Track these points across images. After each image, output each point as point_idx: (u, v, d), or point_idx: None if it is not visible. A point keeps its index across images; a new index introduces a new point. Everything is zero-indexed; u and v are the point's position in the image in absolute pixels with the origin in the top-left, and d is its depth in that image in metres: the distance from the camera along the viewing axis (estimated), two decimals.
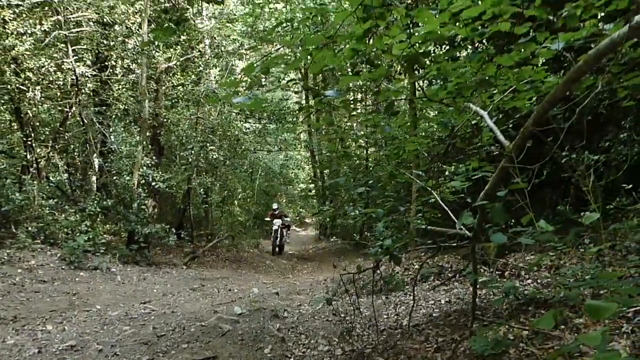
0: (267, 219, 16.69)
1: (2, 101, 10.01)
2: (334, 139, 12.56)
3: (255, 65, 2.37)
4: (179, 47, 11.65)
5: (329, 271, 12.62)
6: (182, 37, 11.07)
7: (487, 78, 2.88)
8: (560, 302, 3.63)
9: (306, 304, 6.49)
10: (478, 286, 3.76)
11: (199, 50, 13.03)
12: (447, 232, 3.90)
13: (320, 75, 17.50)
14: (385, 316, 5.06)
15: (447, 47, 6.55)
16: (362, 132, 13.55)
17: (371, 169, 11.26)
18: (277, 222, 15.82)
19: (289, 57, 2.70)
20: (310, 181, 25.75)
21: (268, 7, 11.71)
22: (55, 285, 7.34)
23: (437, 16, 2.56)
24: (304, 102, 19.49)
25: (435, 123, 5.58)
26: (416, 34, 2.69)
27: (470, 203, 3.23)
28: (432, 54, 3.35)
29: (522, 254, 5.98)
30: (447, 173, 5.02)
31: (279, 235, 16.00)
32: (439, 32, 2.68)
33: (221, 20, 12.91)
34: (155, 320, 5.09)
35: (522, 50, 2.71)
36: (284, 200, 26.21)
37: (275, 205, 16.90)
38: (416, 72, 5.35)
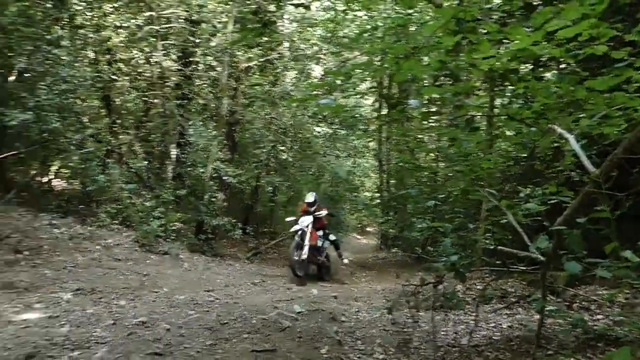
0: (290, 218, 10.60)
1: (95, 89, 10.70)
2: (405, 149, 12.48)
3: (341, 70, 2.44)
4: (260, 48, 12.01)
5: (387, 281, 12.52)
6: (264, 39, 11.42)
7: (576, 100, 2.81)
8: (633, 342, 3.46)
9: (364, 310, 6.50)
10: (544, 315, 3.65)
11: (279, 53, 13.36)
12: (518, 255, 3.81)
13: (394, 84, 17.43)
14: (443, 333, 4.99)
15: (532, 66, 6.38)
16: (434, 145, 13.39)
17: (441, 183, 11.11)
18: (305, 221, 9.66)
19: (374, 65, 2.75)
20: (375, 190, 25.64)
21: (350, 14, 11.84)
22: (128, 264, 7.77)
23: (529, 34, 2.54)
24: (376, 110, 19.48)
25: (514, 142, 5.45)
26: (502, 50, 2.68)
27: (546, 227, 3.15)
28: (519, 73, 3.28)
29: (594, 287, 5.72)
30: (521, 195, 4.89)
31: (306, 242, 9.43)
32: (530, 50, 2.65)
33: (302, 24, 13.18)
34: (218, 309, 5.27)
35: (617, 75, 2.62)
36: (346, 207, 26.21)
37: (311, 197, 10.20)
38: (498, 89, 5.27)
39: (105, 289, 5.75)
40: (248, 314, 4.94)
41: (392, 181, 20.94)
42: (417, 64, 2.50)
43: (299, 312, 5.36)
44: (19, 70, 8.53)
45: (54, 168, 11.15)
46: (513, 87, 3.53)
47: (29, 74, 8.61)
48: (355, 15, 11.70)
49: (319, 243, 10.18)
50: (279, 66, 12.80)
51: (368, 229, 32.94)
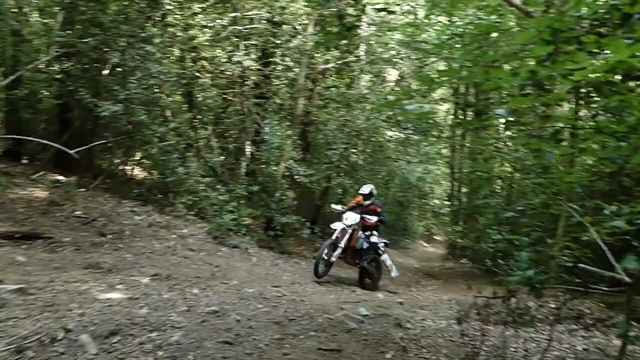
0: (337, 207, 9.41)
1: (179, 85, 11.20)
2: (480, 158, 12.16)
3: (431, 77, 2.42)
4: (338, 50, 12.11)
5: (454, 292, 12.24)
6: (343, 42, 11.52)
7: None
8: None
9: (429, 319, 6.39)
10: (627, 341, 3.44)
11: (356, 55, 13.39)
12: (602, 274, 3.61)
13: (471, 92, 17.03)
14: (512, 349, 4.82)
15: (622, 78, 6.03)
16: (511, 155, 12.94)
17: (520, 194, 10.73)
18: (350, 219, 8.57)
19: (459, 72, 2.70)
20: (445, 198, 25.12)
21: (432, 19, 11.69)
22: (200, 255, 8.07)
23: (629, 46, 2.41)
24: (452, 117, 19.11)
25: (600, 157, 5.17)
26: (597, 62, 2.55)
27: (633, 247, 2.97)
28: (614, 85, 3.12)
29: None
30: (606, 212, 4.63)
31: (341, 244, 8.42)
32: (629, 63, 2.51)
33: (381, 28, 13.14)
34: (285, 305, 5.36)
35: None
36: (415, 214, 25.83)
37: (367, 189, 9.05)
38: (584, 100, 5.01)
39: (180, 277, 5.99)
40: (314, 313, 4.99)
41: (464, 190, 20.47)
42: (506, 73, 2.44)
43: (364, 315, 5.35)
44: (112, 65, 9.08)
45: (135, 158, 11.79)
46: (605, 100, 3.36)
47: (120, 69, 9.15)
48: (438, 21, 11.52)
49: (363, 245, 8.97)
50: (356, 69, 12.83)
51: (435, 237, 32.37)
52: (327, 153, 12.47)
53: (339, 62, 12.18)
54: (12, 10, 9.54)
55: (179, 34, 9.89)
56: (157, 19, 9.14)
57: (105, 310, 3.70)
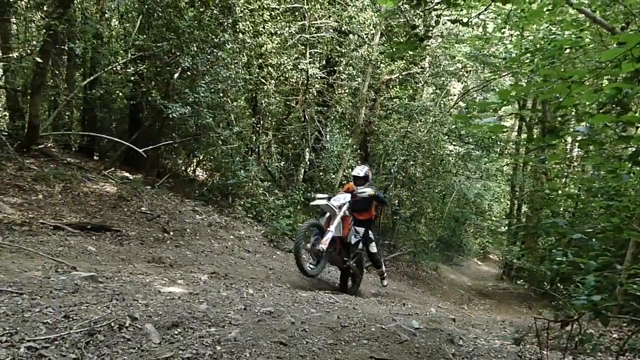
0: (321, 196, 7.11)
1: (244, 90, 11.50)
2: (544, 177, 11.76)
3: (510, 90, 2.39)
4: (403, 61, 12.09)
5: (507, 313, 11.90)
6: (412, 52, 11.49)
7: None
8: None
9: (482, 338, 6.24)
10: None
11: (421, 67, 13.32)
12: None
13: (538, 107, 16.50)
14: None
15: None
16: (579, 175, 12.47)
17: (588, 216, 10.30)
18: (341, 199, 6.79)
19: (540, 87, 2.64)
20: (504, 216, 24.40)
21: (503, 32, 11.46)
22: (256, 256, 8.23)
23: None
24: (515, 133, 18.59)
25: None
26: None
27: None
28: None
29: None
30: None
31: (331, 227, 6.56)
32: None
33: (449, 40, 13.01)
34: (338, 311, 5.38)
35: None
36: (471, 231, 25.23)
37: (361, 171, 7.33)
38: None
39: (236, 276, 6.13)
40: (367, 321, 4.98)
41: (524, 209, 19.84)
42: (589, 90, 2.37)
43: (417, 328, 5.28)
44: (183, 68, 9.44)
45: (197, 159, 12.19)
46: None
47: (190, 73, 9.50)
48: (510, 35, 11.29)
49: (352, 239, 7.14)
50: (421, 80, 12.75)
51: (490, 255, 31.49)
52: (385, 164, 12.45)
53: (404, 73, 12.15)
54: (95, 14, 10.12)
55: (248, 40, 10.18)
56: (228, 25, 9.44)
57: (167, 303, 3.84)
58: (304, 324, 4.26)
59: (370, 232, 7.62)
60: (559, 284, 12.58)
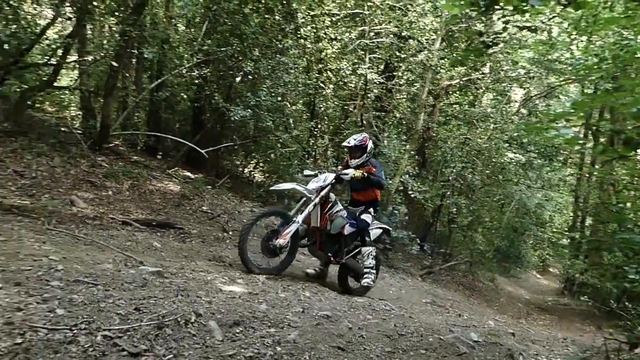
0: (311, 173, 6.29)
1: (303, 94, 11.65)
2: (615, 189, 11.23)
3: (588, 102, 2.32)
4: (464, 67, 11.89)
5: (569, 330, 11.43)
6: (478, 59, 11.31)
7: None
8: None
9: (543, 355, 6.04)
10: None
11: (482, 73, 13.05)
12: None
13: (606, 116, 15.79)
14: None
15: None
16: None
17: None
18: (321, 180, 5.80)
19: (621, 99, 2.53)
20: (566, 229, 23.45)
21: (570, 37, 11.08)
22: (311, 260, 8.28)
23: None
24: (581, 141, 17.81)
25: None
26: None
27: None
28: None
29: None
30: None
31: (297, 218, 5.63)
32: None
33: (512, 45, 12.68)
34: (394, 319, 5.35)
35: None
36: (530, 242, 24.38)
37: (357, 138, 6.07)
38: None
39: (293, 279, 6.20)
40: (424, 331, 4.93)
41: (589, 222, 19.02)
42: None
43: (475, 341, 5.18)
44: (245, 72, 9.67)
45: (254, 161, 12.43)
46: None
47: (252, 77, 9.72)
48: (578, 40, 10.88)
49: (343, 228, 6.02)
50: (481, 86, 12.49)
51: (550, 269, 30.32)
52: (443, 170, 12.27)
53: (464, 78, 11.95)
54: (164, 20, 10.53)
55: (309, 46, 10.32)
56: (290, 31, 9.60)
57: (229, 301, 3.94)
58: (361, 330, 4.27)
59: (367, 215, 6.21)
60: (627, 303, 11.95)
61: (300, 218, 5.65)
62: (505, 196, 17.56)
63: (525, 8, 3.59)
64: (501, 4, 3.55)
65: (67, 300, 3.02)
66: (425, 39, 11.08)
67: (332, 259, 6.26)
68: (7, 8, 8.53)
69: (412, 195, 11.21)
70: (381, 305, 6.24)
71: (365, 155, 6.08)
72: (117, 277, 3.78)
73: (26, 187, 6.26)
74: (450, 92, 12.71)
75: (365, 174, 5.88)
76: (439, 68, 11.25)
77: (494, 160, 13.14)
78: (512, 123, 12.37)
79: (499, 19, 3.84)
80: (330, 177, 5.84)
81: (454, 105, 12.77)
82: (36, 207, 5.65)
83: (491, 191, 14.81)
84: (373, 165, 6.12)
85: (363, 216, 6.23)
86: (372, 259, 6.32)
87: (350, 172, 5.85)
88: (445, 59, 10.90)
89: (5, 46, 7.59)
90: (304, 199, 5.77)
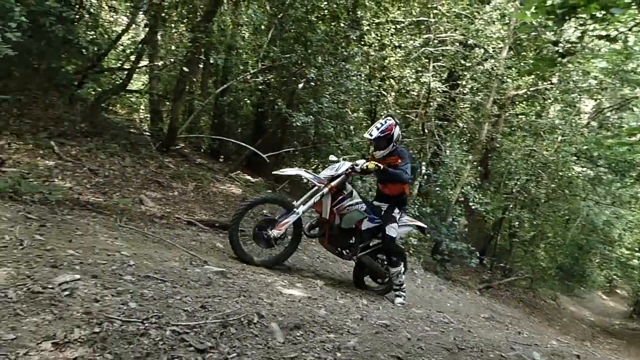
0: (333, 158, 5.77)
1: (365, 101, 11.65)
2: None
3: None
4: (532, 76, 11.55)
5: (639, 357, 10.82)
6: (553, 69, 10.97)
7: None
8: None
9: None
10: None
11: (550, 83, 12.62)
12: None
13: None
14: None
15: None
16: None
17: None
18: (334, 169, 5.39)
19: None
20: (637, 248, 22.22)
21: None
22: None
23: None
24: None
25: None
26: None
27: None
28: None
29: None
30: None
31: (299, 209, 5.31)
32: None
33: (584, 55, 12.18)
34: (453, 332, 5.24)
35: None
36: (596, 261, 23.24)
37: (379, 127, 5.38)
38: None
39: (350, 286, 6.20)
40: (484, 346, 4.80)
41: None
42: None
43: None
44: (308, 79, 9.78)
45: (314, 167, 12.50)
46: None
47: (314, 83, 9.81)
48: None
49: (357, 222, 5.53)
50: (549, 97, 12.07)
51: (618, 290, 28.81)
52: (506, 182, 11.94)
53: (532, 88, 11.59)
54: (231, 27, 10.84)
55: (372, 53, 10.33)
56: (354, 38, 9.65)
57: (289, 305, 3.99)
58: (420, 341, 4.21)
59: (394, 210, 5.64)
60: None
61: (302, 209, 5.33)
62: (571, 212, 16.84)
63: (606, 17, 3.46)
64: (579, 12, 3.43)
65: (139, 295, 3.15)
66: (492, 47, 10.83)
67: (343, 253, 5.74)
68: (87, 16, 9.06)
69: (473, 207, 10.97)
70: (439, 317, 6.13)
71: (391, 145, 5.47)
72: (183, 275, 3.91)
73: (100, 185, 6.58)
74: (517, 102, 12.35)
75: (381, 166, 5.27)
76: (505, 77, 10.98)
77: (560, 173, 12.65)
78: (582, 136, 11.86)
79: (576, 28, 3.71)
80: (345, 165, 5.41)
81: (520, 116, 12.39)
82: (109, 204, 5.93)
83: (556, 206, 14.25)
84: (401, 155, 5.50)
85: (388, 230, 5.58)
86: (402, 275, 5.84)
87: (361, 162, 5.41)
88: (512, 68, 10.61)
89: (83, 51, 8.03)
90: (315, 187, 5.39)
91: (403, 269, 5.85)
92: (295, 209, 5.33)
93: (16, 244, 3.53)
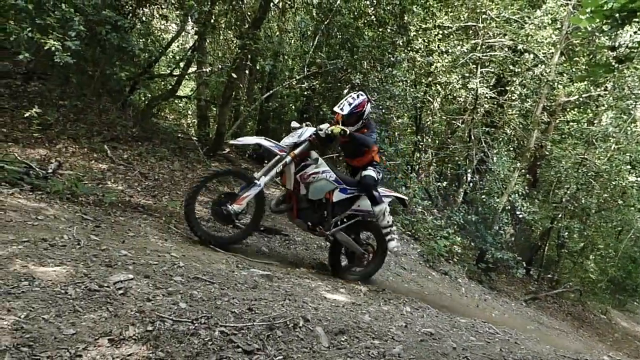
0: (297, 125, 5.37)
1: (410, 107, 11.56)
2: None
3: None
4: (584, 82, 11.20)
5: None
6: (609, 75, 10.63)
7: None
8: None
9: None
10: None
11: (604, 89, 12.20)
12: None
13: None
14: None
15: None
16: None
17: None
18: (296, 135, 5.11)
19: None
20: None
21: None
22: (412, 275, 8.19)
23: None
24: None
25: None
26: None
27: None
28: None
29: None
30: None
31: (260, 181, 5.03)
32: None
33: None
34: (499, 344, 5.12)
35: None
36: None
37: (350, 102, 5.16)
38: None
39: (393, 292, 6.16)
40: (532, 359, 4.68)
41: None
42: None
43: None
44: (353, 85, 9.79)
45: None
46: None
47: (358, 89, 9.81)
48: None
49: (311, 192, 5.20)
50: (602, 104, 11.67)
51: None
52: (556, 191, 11.60)
53: (584, 95, 11.24)
54: (277, 33, 10.99)
55: (419, 59, 10.26)
56: (400, 44, 9.61)
57: (333, 310, 4.00)
58: (466, 351, 4.15)
59: (370, 170, 5.38)
60: None
61: (263, 180, 5.02)
62: (624, 222, 16.15)
63: None
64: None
65: (188, 295, 3.24)
66: (543, 53, 10.56)
67: (315, 229, 5.41)
68: (139, 25, 9.37)
69: (520, 216, 10.72)
70: (485, 327, 6.00)
71: (361, 122, 5.27)
72: (230, 277, 3.98)
73: (150, 188, 6.79)
74: (568, 109, 11.99)
75: (347, 130, 4.97)
76: (556, 83, 10.69)
77: (613, 183, 12.19)
78: (637, 144, 11.38)
79: (635, 32, 3.59)
80: (308, 131, 5.09)
81: (571, 123, 12.02)
82: (158, 207, 6.11)
83: (608, 216, 13.71)
84: (367, 127, 5.33)
85: (366, 171, 5.34)
86: (389, 215, 5.41)
87: (325, 126, 5.12)
88: (564, 74, 10.31)
89: (135, 58, 8.30)
90: (277, 157, 5.07)
91: (388, 207, 5.43)
92: (256, 181, 5.01)
93: (74, 244, 3.69)
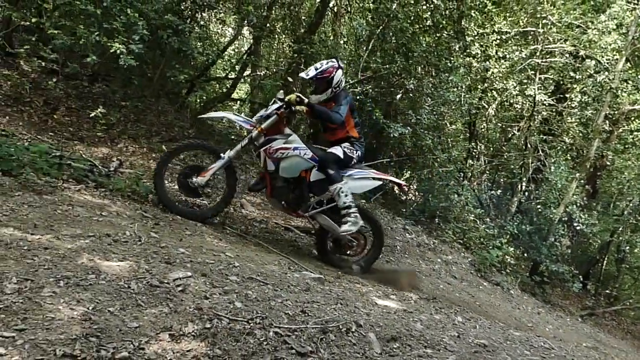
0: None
1: (464, 113, 11.35)
2: None
3: None
4: None
5: None
6: None
7: None
8: None
9: None
10: None
11: None
12: None
13: None
14: None
15: None
16: None
17: None
18: (267, 109, 4.95)
19: None
20: None
21: None
22: (462, 284, 8.03)
23: None
24: None
25: None
26: None
27: None
28: None
29: None
30: None
31: (226, 155, 5.00)
32: None
33: None
34: (555, 359, 4.96)
35: None
36: None
37: (314, 68, 5.01)
38: None
39: (444, 302, 6.06)
40: None
41: None
42: None
43: None
44: (407, 90, 9.71)
45: (406, 179, 12.34)
46: None
47: (412, 95, 9.72)
48: None
49: (282, 169, 4.98)
50: None
51: None
52: (617, 203, 11.11)
53: None
54: (331, 37, 11.02)
55: (475, 64, 10.07)
56: (457, 49, 9.46)
57: (385, 316, 3.98)
58: None
59: (336, 148, 5.15)
60: None
61: (229, 154, 4.92)
62: None
63: None
64: None
65: (244, 295, 3.29)
66: (606, 59, 10.15)
67: (291, 210, 5.21)
68: (197, 29, 9.63)
69: (578, 228, 10.32)
70: (539, 342, 5.81)
71: (330, 90, 4.96)
72: (283, 279, 4.03)
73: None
74: (632, 118, 11.46)
75: (304, 99, 4.73)
76: (620, 91, 10.24)
77: None
78: None
79: None
80: (277, 104, 4.87)
81: (635, 132, 11.49)
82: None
83: None
84: (336, 100, 4.97)
85: (332, 148, 5.11)
86: (347, 196, 4.99)
87: (281, 93, 4.96)
88: (629, 81, 9.86)
89: (192, 61, 8.53)
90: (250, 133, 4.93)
91: (346, 186, 5.01)
92: (222, 155, 4.95)
93: (135, 240, 3.82)
